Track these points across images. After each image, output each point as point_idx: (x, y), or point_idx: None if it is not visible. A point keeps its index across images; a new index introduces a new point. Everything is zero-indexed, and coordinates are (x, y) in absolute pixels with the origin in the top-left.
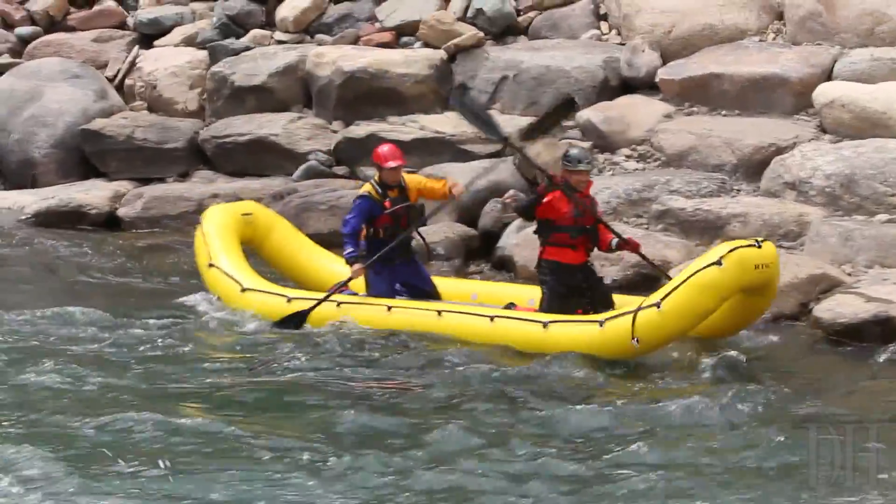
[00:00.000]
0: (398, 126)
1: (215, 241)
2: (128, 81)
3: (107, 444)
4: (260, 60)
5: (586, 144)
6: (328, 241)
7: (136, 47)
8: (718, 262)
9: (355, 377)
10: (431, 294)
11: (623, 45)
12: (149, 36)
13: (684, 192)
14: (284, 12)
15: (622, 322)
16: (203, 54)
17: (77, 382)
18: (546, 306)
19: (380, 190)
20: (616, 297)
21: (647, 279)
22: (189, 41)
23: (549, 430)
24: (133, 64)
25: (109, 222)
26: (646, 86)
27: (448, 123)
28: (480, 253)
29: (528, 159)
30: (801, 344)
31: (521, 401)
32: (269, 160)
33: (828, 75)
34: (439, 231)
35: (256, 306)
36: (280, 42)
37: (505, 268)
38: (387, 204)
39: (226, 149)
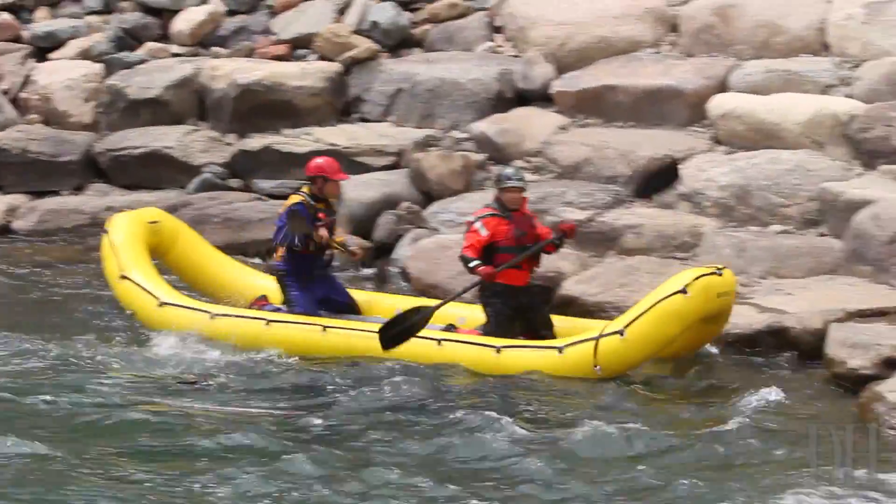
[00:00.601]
0: (293, 139)
1: (125, 251)
2: (23, 94)
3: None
4: (155, 73)
5: (481, 156)
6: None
7: (32, 60)
8: (683, 291)
9: (260, 403)
10: (351, 307)
11: (518, 57)
12: (44, 49)
13: (579, 203)
14: (179, 25)
15: (583, 349)
16: (98, 67)
17: None
18: (492, 329)
19: (312, 202)
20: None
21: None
22: (84, 54)
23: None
24: (28, 77)
25: (4, 235)
26: (540, 98)
27: (342, 136)
28: (375, 264)
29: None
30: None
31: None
32: (163, 173)
33: (722, 87)
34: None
35: (176, 322)
36: (175, 55)
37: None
38: (322, 216)
39: (120, 162)
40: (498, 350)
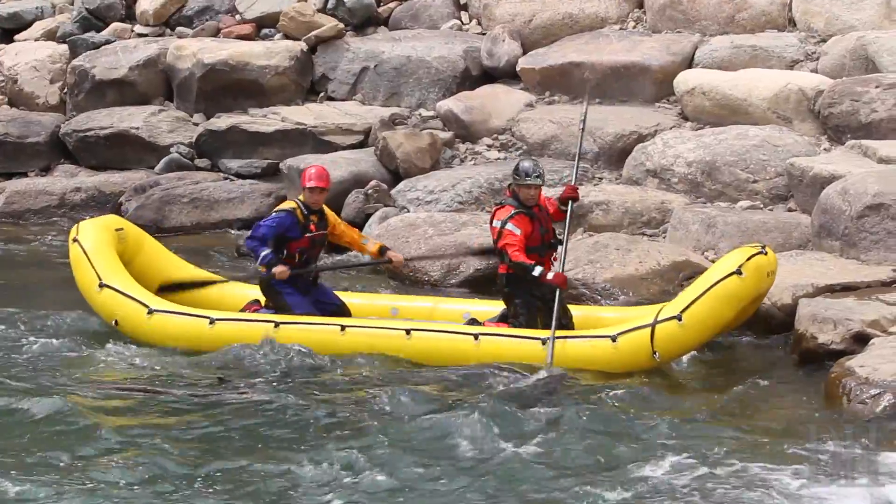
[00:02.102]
0: (259, 118)
1: (100, 258)
2: None
3: None
4: (120, 54)
5: (447, 134)
6: (190, 234)
7: None
8: (739, 272)
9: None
10: (341, 310)
11: (483, 34)
12: (9, 30)
13: (546, 180)
14: (144, 5)
15: (639, 336)
16: (64, 48)
17: None
18: (523, 321)
19: (305, 212)
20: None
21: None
22: (49, 35)
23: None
24: None
25: None
26: (507, 75)
27: (309, 115)
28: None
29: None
30: None
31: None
32: (130, 153)
33: (688, 63)
34: None
35: (170, 331)
36: (140, 35)
37: None
38: (312, 227)
39: (87, 142)
40: (544, 342)
